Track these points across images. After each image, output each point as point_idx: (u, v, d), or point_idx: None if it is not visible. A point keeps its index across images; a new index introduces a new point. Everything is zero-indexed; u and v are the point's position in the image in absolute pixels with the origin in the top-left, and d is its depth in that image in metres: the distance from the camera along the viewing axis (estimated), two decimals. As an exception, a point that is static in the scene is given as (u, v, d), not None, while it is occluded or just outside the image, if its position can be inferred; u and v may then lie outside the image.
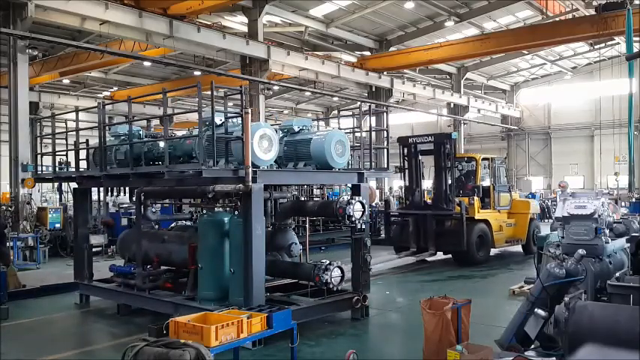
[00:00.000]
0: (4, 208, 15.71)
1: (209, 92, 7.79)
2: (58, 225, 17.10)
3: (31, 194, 16.89)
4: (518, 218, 16.21)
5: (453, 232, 14.16)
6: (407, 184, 15.30)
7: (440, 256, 15.21)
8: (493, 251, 15.69)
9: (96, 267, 11.00)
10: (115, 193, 11.26)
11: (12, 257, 13.78)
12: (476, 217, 14.60)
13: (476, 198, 14.74)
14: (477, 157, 15.95)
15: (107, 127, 10.04)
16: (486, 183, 15.82)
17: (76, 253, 11.19)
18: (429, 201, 15.26)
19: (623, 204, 20.43)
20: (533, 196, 28.84)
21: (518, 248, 16.78)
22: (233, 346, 5.45)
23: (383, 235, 20.63)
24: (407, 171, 15.19)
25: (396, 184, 37.48)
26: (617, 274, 6.06)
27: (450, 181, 14.40)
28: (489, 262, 14.92)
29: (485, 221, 14.91)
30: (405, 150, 15.19)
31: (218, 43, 19.37)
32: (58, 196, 24.35)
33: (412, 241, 14.80)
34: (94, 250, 11.87)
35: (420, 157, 15.16)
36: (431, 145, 14.89)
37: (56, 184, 21.65)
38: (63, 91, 30.89)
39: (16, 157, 15.65)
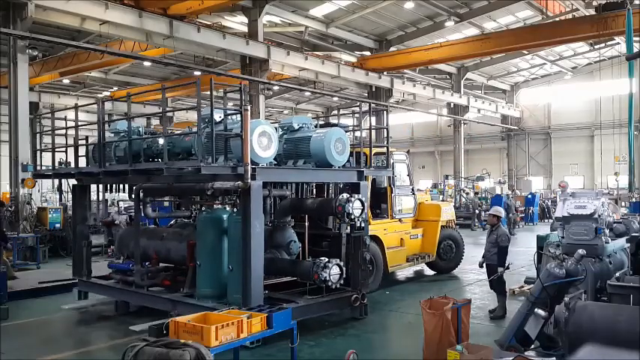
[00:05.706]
0: (4, 208, 15.68)
1: (209, 92, 7.79)
2: (58, 225, 17.09)
3: (31, 194, 16.87)
4: (427, 227, 12.73)
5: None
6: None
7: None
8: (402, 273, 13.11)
9: (96, 267, 10.96)
10: (113, 192, 11.24)
11: (11, 257, 13.83)
12: None
13: None
14: (366, 151, 10.41)
15: (107, 124, 10.03)
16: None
17: (74, 249, 11.17)
18: None
19: (623, 204, 20.45)
20: (534, 196, 28.88)
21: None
22: (233, 346, 5.43)
23: None
24: None
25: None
26: (617, 274, 6.05)
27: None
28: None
29: (374, 237, 10.92)
30: None
31: (218, 43, 19.37)
32: (58, 196, 24.32)
33: None
34: (93, 250, 11.84)
35: None
36: None
37: (56, 184, 21.62)
38: (63, 91, 30.94)
39: (16, 157, 15.65)
